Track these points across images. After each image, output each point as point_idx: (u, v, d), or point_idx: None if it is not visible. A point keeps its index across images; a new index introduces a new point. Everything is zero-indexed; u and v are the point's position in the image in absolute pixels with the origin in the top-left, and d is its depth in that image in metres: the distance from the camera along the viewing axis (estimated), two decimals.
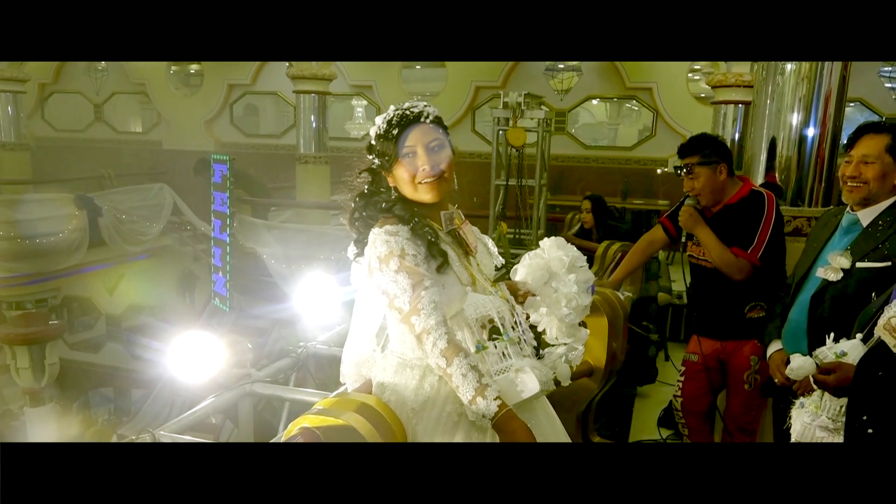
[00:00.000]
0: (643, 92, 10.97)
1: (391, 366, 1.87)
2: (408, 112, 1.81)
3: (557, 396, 2.04)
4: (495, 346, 1.79)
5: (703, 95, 10.87)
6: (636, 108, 12.21)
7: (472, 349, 1.77)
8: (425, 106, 1.83)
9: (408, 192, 1.82)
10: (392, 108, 1.84)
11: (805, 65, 3.55)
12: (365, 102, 12.78)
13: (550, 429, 1.93)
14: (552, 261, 2.09)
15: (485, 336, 1.80)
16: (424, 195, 1.81)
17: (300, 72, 9.30)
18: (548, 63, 11.27)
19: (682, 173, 3.12)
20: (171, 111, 13.71)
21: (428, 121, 1.81)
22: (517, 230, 7.50)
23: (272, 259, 7.34)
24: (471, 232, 1.98)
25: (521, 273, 2.13)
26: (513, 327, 1.85)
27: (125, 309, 11.08)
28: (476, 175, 8.68)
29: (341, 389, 2.11)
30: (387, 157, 1.80)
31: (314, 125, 9.57)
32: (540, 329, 2.09)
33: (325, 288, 3.32)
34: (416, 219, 1.80)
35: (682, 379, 3.40)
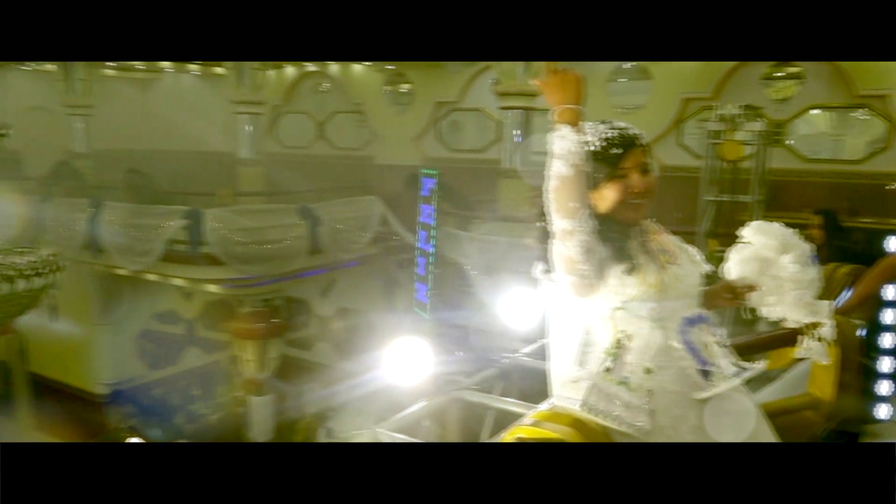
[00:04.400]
0: (876, 100, 9.86)
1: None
2: (626, 133, 1.79)
3: (777, 427, 1.90)
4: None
5: None
6: (865, 118, 11.00)
7: (674, 355, 1.71)
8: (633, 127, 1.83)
9: (610, 210, 1.80)
10: (602, 126, 1.82)
11: None
12: None
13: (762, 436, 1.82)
14: (760, 248, 1.97)
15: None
16: (630, 215, 1.80)
17: (507, 88, 9.48)
18: (765, 71, 10.53)
19: None
20: (383, 128, 14.60)
21: (642, 143, 1.80)
22: (728, 248, 7.06)
23: (473, 270, 7.51)
24: (669, 241, 1.92)
25: (734, 271, 2.02)
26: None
27: (335, 311, 11.95)
28: (680, 190, 8.30)
29: (547, 402, 2.11)
30: (599, 176, 1.78)
31: (518, 140, 9.69)
32: (776, 318, 1.96)
33: (528, 301, 3.34)
34: (609, 233, 1.77)
35: None
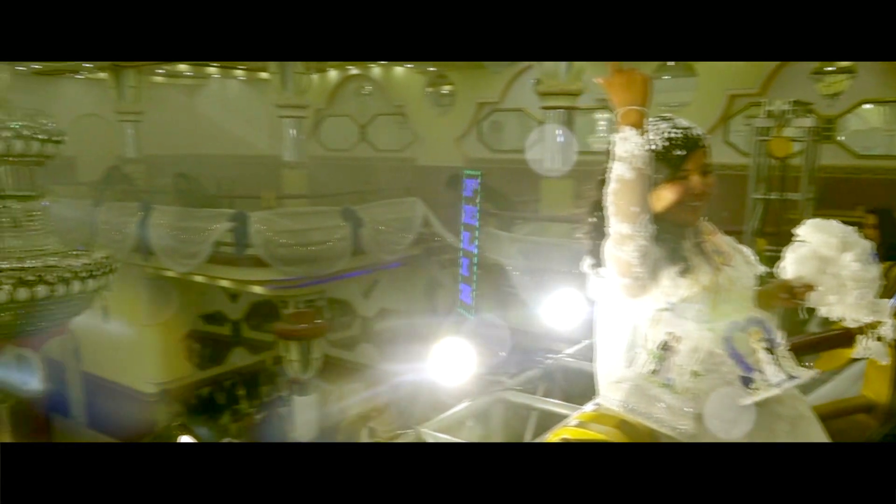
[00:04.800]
0: None
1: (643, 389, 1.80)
2: (691, 134, 1.74)
3: (830, 431, 1.85)
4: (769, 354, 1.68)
5: None
6: None
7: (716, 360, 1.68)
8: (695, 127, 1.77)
9: (666, 210, 1.74)
10: (665, 124, 1.76)
11: None
12: (608, 115, 12.62)
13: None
14: (819, 247, 1.91)
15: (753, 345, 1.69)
16: (687, 216, 1.75)
17: (549, 88, 9.43)
18: (815, 66, 10.26)
19: None
20: (425, 130, 14.67)
21: (705, 144, 1.75)
22: (777, 247, 6.90)
23: (515, 271, 7.50)
24: (723, 242, 1.86)
25: (790, 270, 1.96)
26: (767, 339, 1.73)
27: (377, 312, 12.03)
28: (727, 188, 8.08)
29: (592, 403, 2.09)
30: (658, 177, 1.72)
31: (560, 140, 9.63)
32: (835, 318, 1.91)
33: (572, 301, 3.32)
34: (663, 234, 1.71)
35: None
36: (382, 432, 8.76)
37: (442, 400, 3.23)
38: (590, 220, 1.80)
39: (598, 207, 1.76)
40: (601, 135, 12.78)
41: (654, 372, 1.73)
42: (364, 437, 9.17)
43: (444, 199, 9.78)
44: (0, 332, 6.78)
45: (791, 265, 1.96)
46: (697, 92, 11.26)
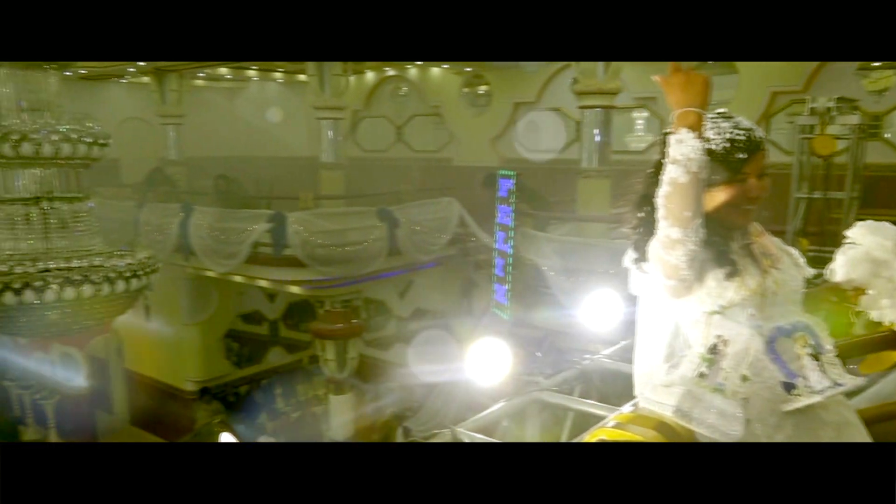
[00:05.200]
0: None
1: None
2: (753, 137, 1.69)
3: (875, 436, 1.80)
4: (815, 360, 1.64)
5: None
6: None
7: (772, 365, 1.64)
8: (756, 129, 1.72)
9: (718, 212, 1.69)
10: (726, 124, 1.71)
11: None
12: (646, 114, 12.47)
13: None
14: (872, 249, 1.86)
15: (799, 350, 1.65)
16: (739, 220, 1.71)
17: (586, 87, 9.36)
18: (860, 62, 10.01)
19: None
20: (461, 130, 14.68)
21: (765, 147, 1.70)
22: (820, 247, 6.75)
23: (551, 271, 7.45)
24: (771, 244, 1.82)
25: (840, 272, 1.91)
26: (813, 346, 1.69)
27: (412, 312, 12.07)
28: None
29: (630, 404, 2.07)
30: (715, 178, 1.67)
31: (597, 139, 9.55)
32: (887, 322, 1.86)
33: (609, 302, 3.29)
34: (712, 236, 1.68)
35: None
36: (417, 432, 8.79)
37: (477, 400, 3.23)
38: (638, 214, 1.77)
39: (647, 202, 1.74)
40: (639, 134, 12.63)
41: (702, 375, 1.69)
42: (399, 437, 9.21)
43: (481, 199, 9.77)
44: (47, 331, 6.95)
45: (841, 268, 1.91)
46: (739, 89, 11.06)
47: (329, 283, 9.51)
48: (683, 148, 1.51)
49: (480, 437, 2.32)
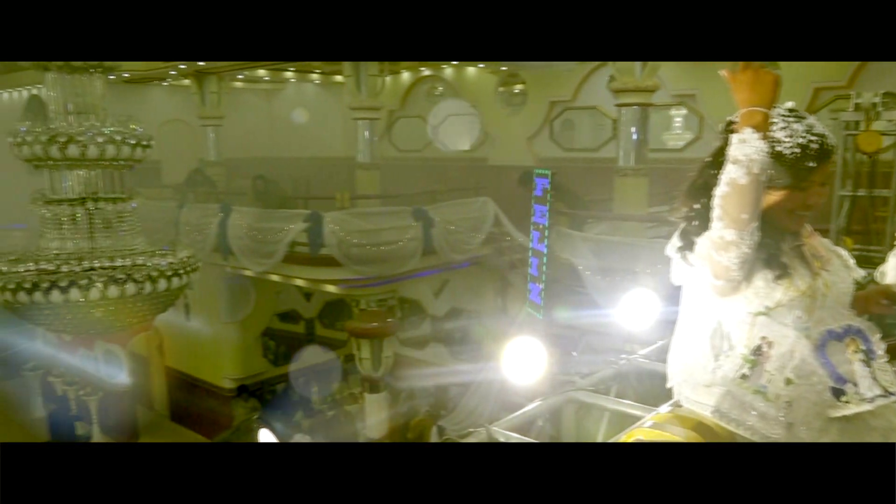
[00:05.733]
0: None
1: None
2: (826, 143, 1.62)
3: None
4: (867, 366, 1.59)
5: None
6: None
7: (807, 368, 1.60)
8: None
9: (771, 212, 1.63)
10: (798, 125, 1.64)
11: None
12: (684, 112, 12.29)
13: None
14: None
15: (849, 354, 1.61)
16: (793, 225, 1.66)
17: (623, 85, 9.26)
18: None
19: None
20: (496, 129, 14.65)
21: (835, 155, 1.65)
22: (865, 246, 6.58)
23: (587, 271, 7.40)
24: (821, 245, 1.77)
25: (891, 275, 1.85)
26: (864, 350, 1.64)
27: (447, 311, 12.07)
28: None
29: (668, 404, 2.04)
30: (778, 181, 1.61)
31: (635, 137, 9.45)
32: None
33: (645, 302, 3.25)
34: (764, 238, 1.65)
35: None
36: (452, 431, 8.80)
37: (512, 399, 3.22)
38: (694, 205, 1.71)
39: (703, 193, 1.67)
40: (676, 132, 12.45)
41: (744, 377, 1.65)
42: (434, 436, 9.23)
43: (515, 197, 9.74)
44: (92, 328, 7.12)
45: (893, 270, 1.86)
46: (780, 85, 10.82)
47: (364, 283, 9.57)
48: (746, 148, 1.45)
49: (516, 437, 2.32)
